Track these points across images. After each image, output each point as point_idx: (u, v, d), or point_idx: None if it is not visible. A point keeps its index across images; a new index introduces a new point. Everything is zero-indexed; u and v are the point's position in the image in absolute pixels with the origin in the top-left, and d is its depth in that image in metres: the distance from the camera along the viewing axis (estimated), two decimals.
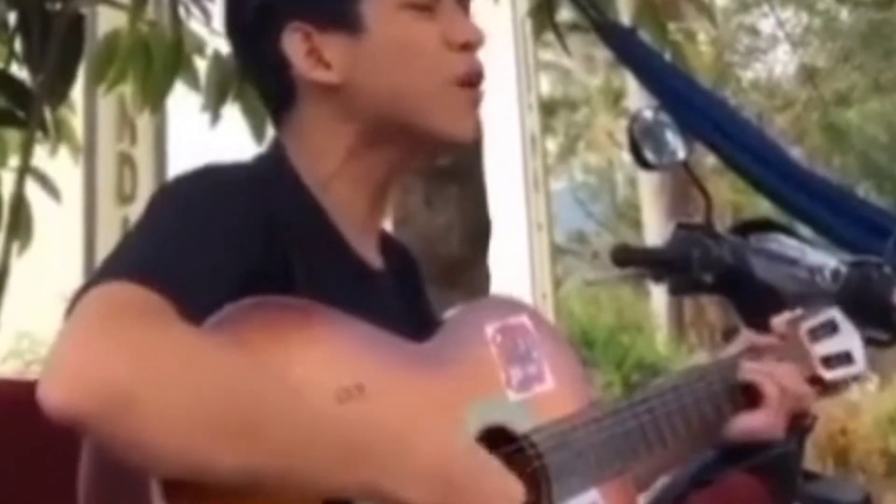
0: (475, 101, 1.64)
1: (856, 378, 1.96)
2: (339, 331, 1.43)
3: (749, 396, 1.83)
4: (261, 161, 1.61)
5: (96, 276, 1.31)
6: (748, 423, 1.82)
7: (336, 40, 1.58)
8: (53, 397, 1.20)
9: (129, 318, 1.25)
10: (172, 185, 1.52)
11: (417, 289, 1.77)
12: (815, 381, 1.91)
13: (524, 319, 1.66)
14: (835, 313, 1.96)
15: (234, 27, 1.67)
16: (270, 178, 1.55)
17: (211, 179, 1.50)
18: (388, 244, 1.71)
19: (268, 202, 1.48)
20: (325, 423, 1.30)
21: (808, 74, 17.95)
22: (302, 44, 1.58)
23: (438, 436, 1.40)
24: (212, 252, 1.38)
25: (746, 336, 1.93)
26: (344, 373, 1.39)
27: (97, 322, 1.25)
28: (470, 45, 1.62)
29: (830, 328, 1.94)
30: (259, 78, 1.68)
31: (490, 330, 1.61)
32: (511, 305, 1.69)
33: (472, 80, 1.62)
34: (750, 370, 1.84)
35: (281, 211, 1.49)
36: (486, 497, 1.39)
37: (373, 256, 1.64)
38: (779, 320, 1.93)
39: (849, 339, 1.95)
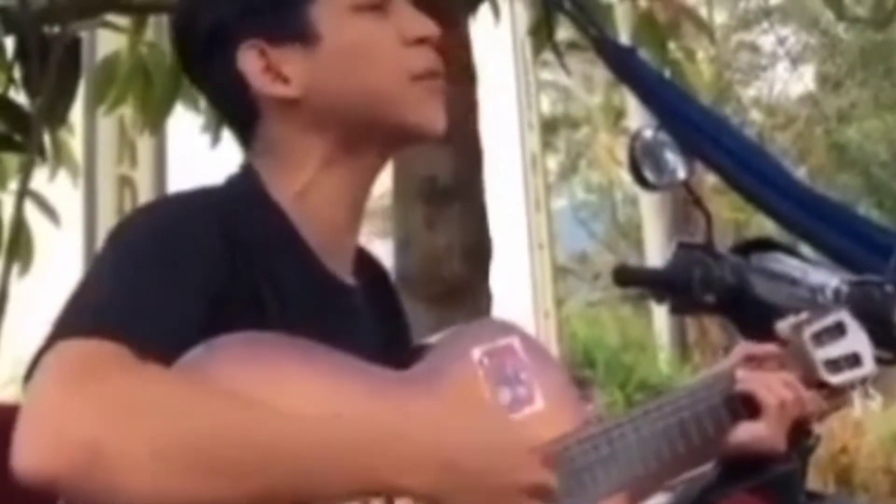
0: (435, 92, 1.62)
1: (864, 381, 1.94)
2: (315, 362, 1.41)
3: (748, 407, 1.82)
4: (229, 183, 1.60)
5: (54, 333, 1.30)
6: (749, 433, 1.81)
7: (292, 53, 1.56)
8: (24, 463, 1.21)
9: (91, 375, 1.24)
10: (128, 222, 1.51)
11: (392, 308, 1.75)
12: (821, 386, 1.90)
13: (512, 341, 1.64)
14: (843, 315, 1.94)
15: (186, 51, 1.64)
16: (237, 198, 1.53)
17: (169, 211, 1.48)
18: (363, 262, 1.69)
19: (233, 224, 1.46)
20: (310, 431, 1.29)
21: (820, 85, 17.98)
22: (258, 61, 1.56)
23: (433, 423, 1.39)
24: (172, 290, 1.36)
25: (743, 346, 1.91)
26: (322, 404, 1.38)
27: (59, 384, 1.25)
28: (425, 40, 1.61)
29: (837, 331, 1.92)
30: (218, 100, 1.66)
31: (477, 353, 1.59)
32: (500, 328, 1.67)
33: (430, 75, 1.61)
34: (747, 380, 1.83)
35: (248, 231, 1.48)
36: (501, 477, 1.39)
37: (345, 273, 1.62)
38: (783, 324, 1.92)
39: (857, 340, 1.93)
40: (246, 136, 1.63)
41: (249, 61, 1.56)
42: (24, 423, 1.23)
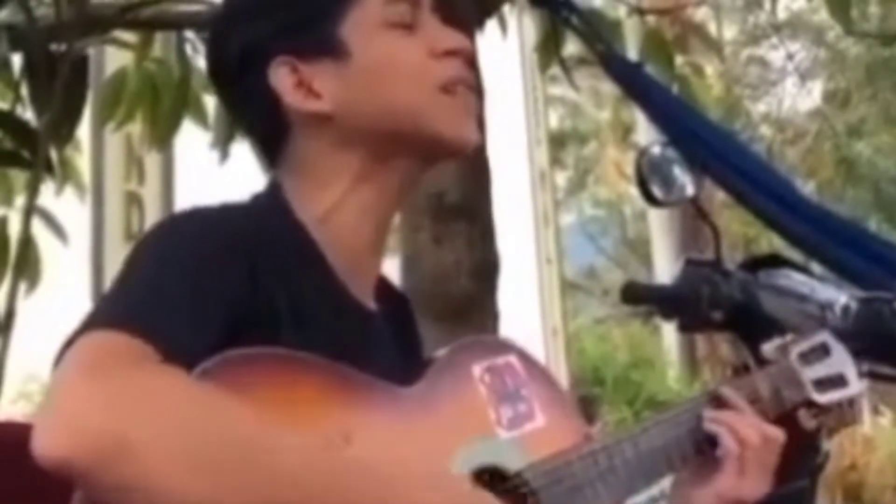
0: (468, 107, 1.63)
1: (851, 401, 1.94)
2: (324, 379, 1.41)
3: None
4: (255, 200, 1.60)
5: (82, 327, 1.31)
6: (716, 490, 1.71)
7: (323, 69, 1.57)
8: (46, 450, 1.20)
9: (115, 366, 1.25)
10: (156, 230, 1.52)
11: (411, 337, 1.75)
12: (810, 405, 1.89)
13: (511, 359, 1.64)
14: (826, 336, 1.94)
15: (220, 70, 1.66)
16: (262, 217, 1.54)
17: (195, 223, 1.49)
18: (384, 289, 1.69)
19: (254, 242, 1.47)
20: (314, 469, 1.29)
21: (829, 100, 18.00)
22: (289, 77, 1.57)
23: (427, 476, 1.39)
24: (195, 298, 1.37)
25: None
26: (330, 422, 1.38)
27: (84, 372, 1.25)
28: (454, 52, 1.62)
29: (822, 351, 1.93)
30: (249, 119, 1.67)
31: (478, 370, 1.59)
32: (499, 345, 1.67)
33: (459, 84, 1.61)
34: (713, 420, 1.74)
35: (269, 250, 1.48)
36: None
37: (367, 297, 1.62)
38: (768, 346, 1.91)
39: (841, 361, 1.93)
40: (273, 154, 1.64)
41: (281, 77, 1.57)
42: (49, 410, 1.23)
